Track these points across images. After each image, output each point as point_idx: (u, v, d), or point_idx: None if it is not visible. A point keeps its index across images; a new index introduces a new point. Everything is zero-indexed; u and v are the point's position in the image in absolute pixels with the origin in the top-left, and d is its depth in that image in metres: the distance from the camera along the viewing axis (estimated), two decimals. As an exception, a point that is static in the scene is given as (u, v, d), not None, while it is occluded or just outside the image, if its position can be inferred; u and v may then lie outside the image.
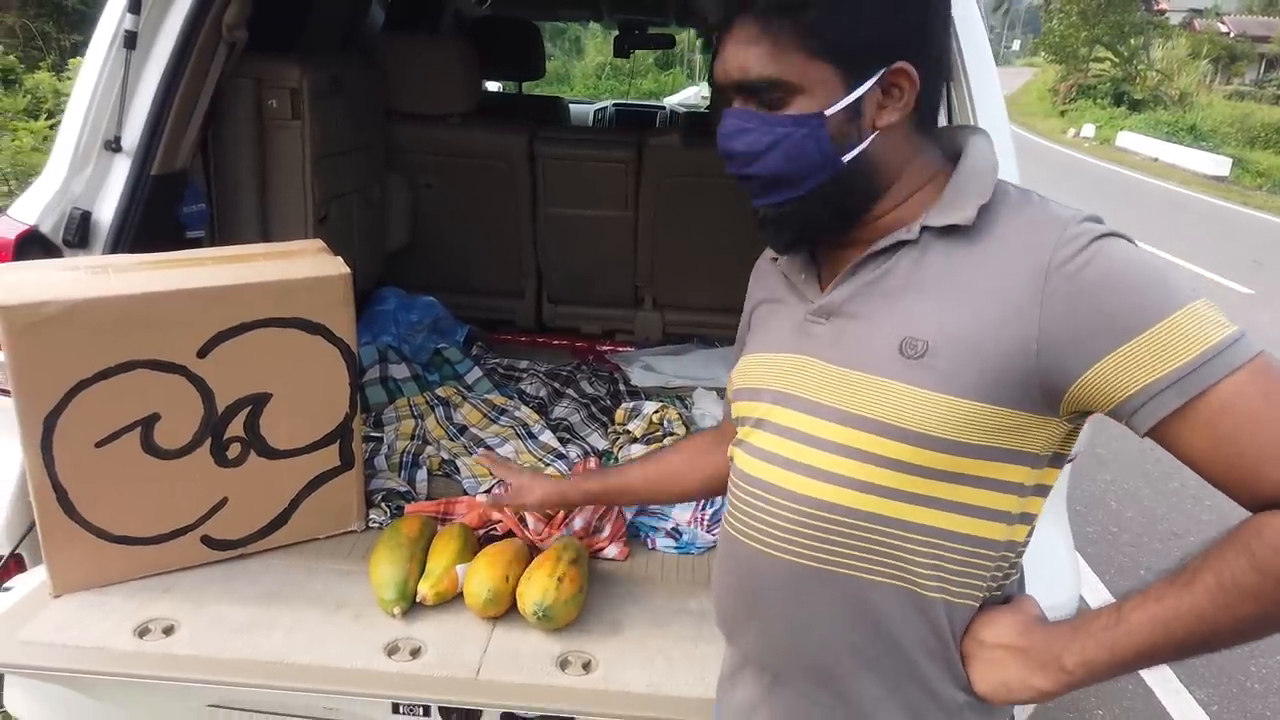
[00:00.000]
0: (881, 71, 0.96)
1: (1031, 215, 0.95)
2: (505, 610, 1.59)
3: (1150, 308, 0.86)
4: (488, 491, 1.99)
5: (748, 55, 0.96)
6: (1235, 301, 8.22)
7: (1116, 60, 29.22)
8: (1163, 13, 35.74)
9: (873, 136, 0.98)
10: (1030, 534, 1.01)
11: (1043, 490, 0.99)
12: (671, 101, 9.37)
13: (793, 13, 0.94)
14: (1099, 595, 3.52)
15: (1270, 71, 32.55)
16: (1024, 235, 0.93)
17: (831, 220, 1.02)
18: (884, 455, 0.94)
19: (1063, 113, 29.67)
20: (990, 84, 1.84)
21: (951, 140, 1.06)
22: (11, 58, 11.00)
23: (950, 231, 0.96)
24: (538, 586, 1.55)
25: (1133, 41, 29.21)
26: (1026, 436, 0.93)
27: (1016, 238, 0.93)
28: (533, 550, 1.72)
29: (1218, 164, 19.24)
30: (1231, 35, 34.42)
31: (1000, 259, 0.93)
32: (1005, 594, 1.03)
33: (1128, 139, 23.44)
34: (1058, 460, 0.98)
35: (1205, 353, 0.83)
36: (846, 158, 0.98)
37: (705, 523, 1.91)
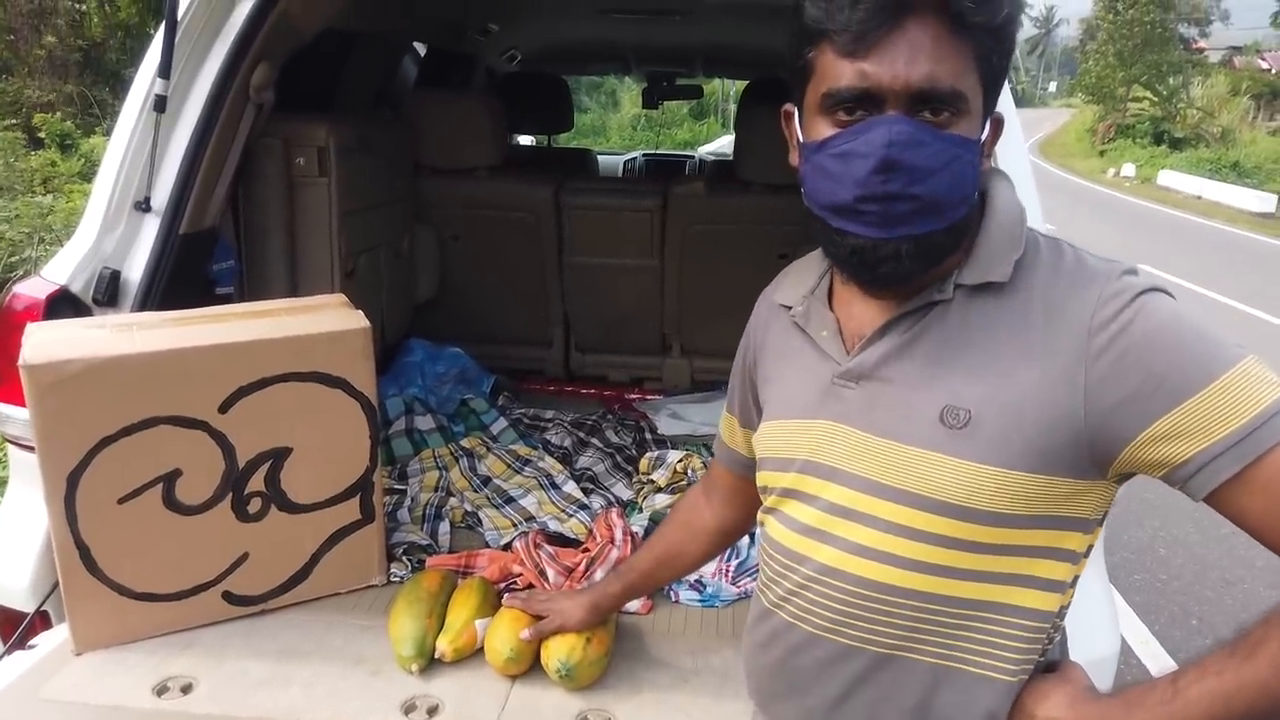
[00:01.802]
0: (990, 115, 0.94)
1: (1067, 271, 0.91)
2: (527, 669, 1.56)
3: (1199, 369, 0.82)
4: (508, 546, 1.98)
5: (938, 62, 0.85)
6: (1286, 340, 8.01)
7: (1155, 99, 29.02)
8: (1201, 51, 35.54)
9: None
10: (1074, 594, 0.97)
11: (1090, 551, 0.95)
12: (704, 150, 9.45)
13: (995, 33, 0.87)
14: (1148, 646, 3.39)
15: (1315, 107, 32.07)
16: (1062, 293, 0.89)
17: (940, 260, 0.93)
18: (928, 530, 0.90)
19: (1102, 153, 29.46)
20: (1009, 121, 1.81)
21: None
22: (69, 124, 11.46)
23: (985, 289, 0.92)
24: (565, 644, 1.52)
25: (1171, 81, 29.01)
26: (1078, 502, 0.89)
27: (1054, 296, 0.89)
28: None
29: (1263, 200, 18.90)
30: (1273, 71, 34.08)
31: (1039, 319, 0.89)
32: (1050, 659, 0.98)
33: (1169, 178, 23.16)
34: (1104, 518, 0.95)
35: (1259, 416, 0.80)
36: (977, 192, 0.94)
37: (730, 574, 1.88)
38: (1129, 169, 25.64)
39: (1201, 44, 37.03)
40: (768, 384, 1.11)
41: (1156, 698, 0.84)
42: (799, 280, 1.09)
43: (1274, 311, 9.12)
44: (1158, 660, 3.30)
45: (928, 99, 0.86)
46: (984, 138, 0.93)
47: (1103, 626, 1.78)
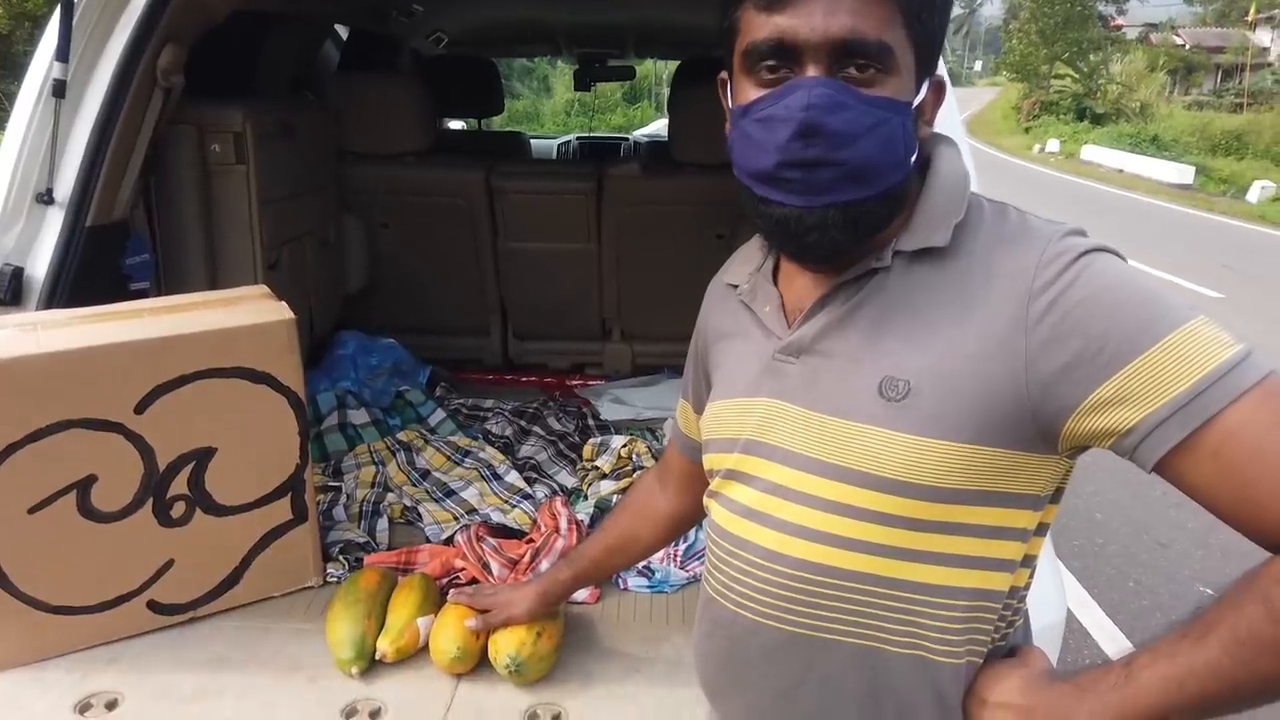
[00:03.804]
0: (929, 77, 0.89)
1: (1010, 233, 0.87)
2: (473, 666, 1.51)
3: (1143, 331, 0.78)
4: (449, 540, 1.93)
5: (859, 14, 0.81)
6: (1207, 306, 8.25)
7: (1077, 76, 29.75)
8: (1119, 28, 36.49)
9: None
10: (1033, 575, 0.93)
11: (1043, 529, 0.91)
12: (638, 134, 9.41)
13: None
14: (1088, 609, 3.47)
15: (1226, 81, 33.25)
16: (1003, 256, 0.85)
17: (873, 231, 0.89)
18: (870, 508, 0.86)
19: (1027, 129, 30.14)
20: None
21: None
22: (-27, 119, 10.98)
23: (924, 255, 0.88)
24: (513, 638, 1.46)
25: (1092, 58, 29.76)
26: (1025, 477, 0.85)
27: (995, 259, 0.85)
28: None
29: (1181, 173, 19.55)
30: (1187, 47, 35.18)
31: (980, 284, 0.85)
32: (1010, 643, 0.95)
33: (1092, 152, 23.80)
34: (1058, 496, 0.90)
35: (1206, 377, 0.75)
36: (914, 158, 0.89)
37: (679, 559, 1.85)
38: (1053, 145, 26.29)
39: (1119, 21, 37.92)
40: (717, 368, 1.08)
41: (1109, 682, 0.81)
42: (746, 259, 1.06)
43: (1195, 279, 9.41)
44: (1101, 627, 3.38)
45: (851, 53, 0.82)
46: (920, 101, 0.89)
47: (1048, 594, 1.79)
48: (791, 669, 0.93)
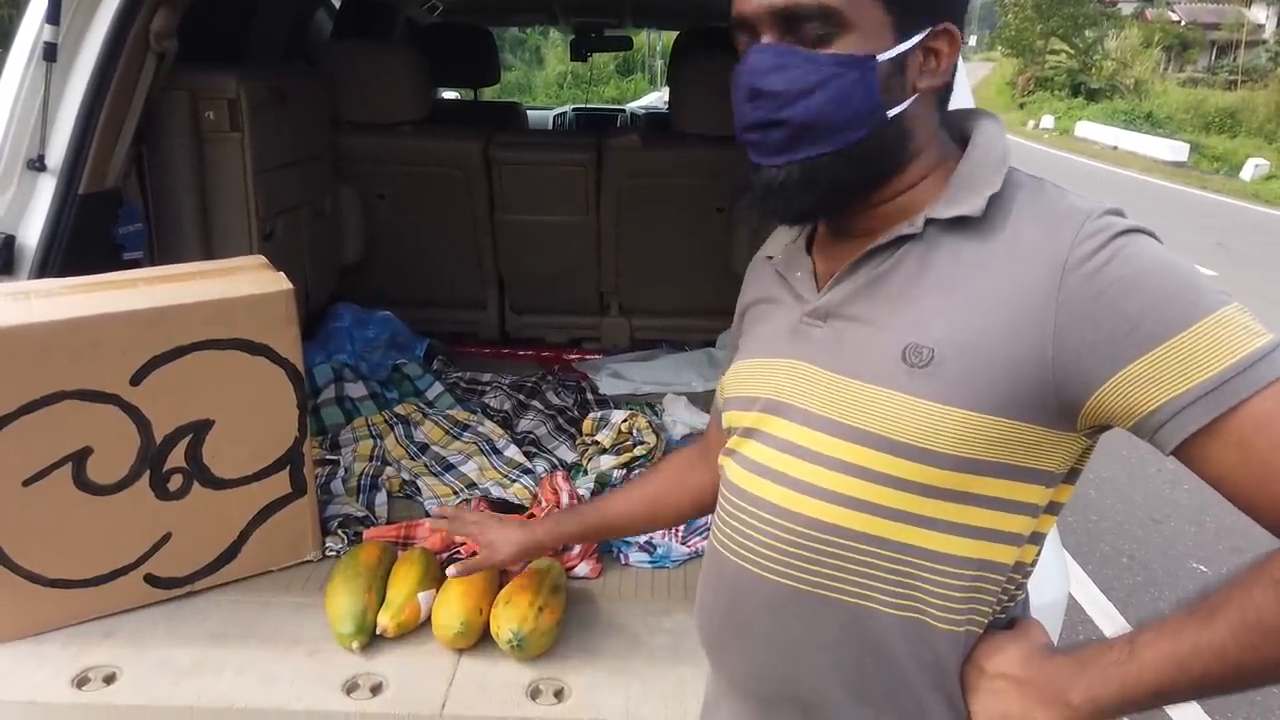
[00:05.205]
0: (929, 29, 0.88)
1: (1047, 207, 0.87)
2: (475, 641, 1.50)
3: (1176, 313, 0.78)
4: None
5: None
6: (1201, 284, 8.27)
7: (1072, 52, 29.60)
8: (1114, 4, 36.26)
9: (913, 99, 0.89)
10: (1039, 553, 0.93)
11: (1055, 508, 0.91)
12: (633, 106, 9.32)
13: None
14: (1083, 586, 3.49)
15: (1221, 58, 33.15)
16: (1038, 230, 0.85)
17: (856, 187, 0.91)
18: (884, 472, 0.86)
19: (1022, 105, 30.00)
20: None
21: (957, 124, 0.97)
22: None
23: (958, 225, 0.88)
24: (516, 613, 1.46)
25: (1087, 33, 29.59)
26: (1042, 453, 0.85)
27: (1030, 233, 0.85)
28: (502, 574, 1.63)
29: (1175, 150, 19.50)
30: (1182, 23, 35.02)
31: (1013, 256, 0.84)
32: (1010, 616, 0.95)
33: (1086, 128, 23.72)
34: (1073, 476, 0.90)
35: (1237, 364, 0.76)
36: (892, 112, 0.88)
37: (680, 534, 1.84)
38: (1048, 121, 26.20)
39: (1115, -4, 37.74)
40: (746, 333, 1.09)
41: (1111, 658, 0.81)
42: (783, 233, 1.08)
43: (1190, 257, 9.37)
44: (1095, 601, 3.40)
45: (796, 18, 0.85)
46: (902, 51, 0.87)
47: (1050, 572, 1.79)
48: (792, 625, 0.94)
